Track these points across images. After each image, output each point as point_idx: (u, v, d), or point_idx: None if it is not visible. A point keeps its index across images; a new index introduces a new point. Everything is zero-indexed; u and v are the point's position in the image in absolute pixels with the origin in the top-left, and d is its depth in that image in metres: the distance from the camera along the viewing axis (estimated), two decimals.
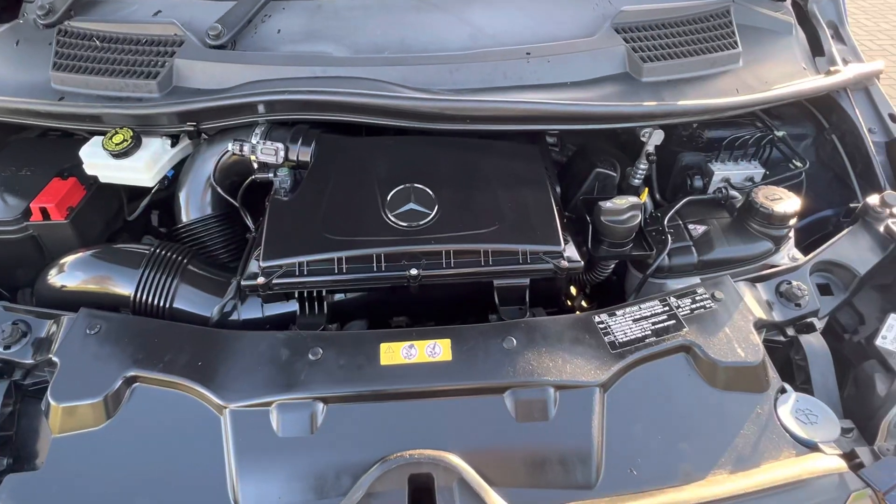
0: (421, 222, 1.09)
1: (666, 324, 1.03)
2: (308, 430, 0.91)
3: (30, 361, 1.04)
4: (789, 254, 1.23)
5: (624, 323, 1.03)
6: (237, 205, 1.23)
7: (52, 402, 0.94)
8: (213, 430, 0.93)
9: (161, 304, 1.10)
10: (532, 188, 1.16)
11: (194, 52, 1.31)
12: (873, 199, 1.21)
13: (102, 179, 1.26)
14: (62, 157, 1.35)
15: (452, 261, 1.06)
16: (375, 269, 1.06)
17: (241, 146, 1.20)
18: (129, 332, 1.02)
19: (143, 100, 1.28)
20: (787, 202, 1.19)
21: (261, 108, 1.23)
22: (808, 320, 1.11)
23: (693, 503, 0.87)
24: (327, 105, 1.20)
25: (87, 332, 1.02)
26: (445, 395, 0.94)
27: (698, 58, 1.37)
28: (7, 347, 1.05)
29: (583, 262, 1.06)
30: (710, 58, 1.38)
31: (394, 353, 0.96)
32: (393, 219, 1.09)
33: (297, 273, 1.05)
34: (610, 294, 1.37)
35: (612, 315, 1.04)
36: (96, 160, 1.24)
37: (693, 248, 1.21)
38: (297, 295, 1.08)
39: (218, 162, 1.26)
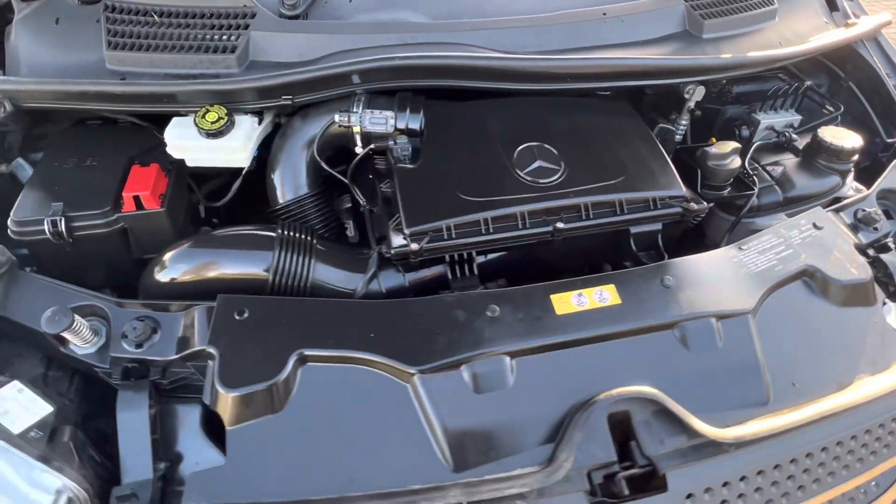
0: (551, 179, 1.11)
1: (785, 253, 1.12)
2: (504, 385, 0.92)
3: (170, 357, 0.96)
4: (852, 186, 1.37)
5: (752, 256, 1.11)
6: (346, 181, 1.18)
7: (224, 392, 0.88)
8: (401, 398, 0.91)
9: (300, 284, 1.05)
10: (640, 139, 1.21)
11: (271, 24, 1.24)
12: None
13: (191, 162, 1.17)
14: (119, 145, 1.24)
15: (591, 212, 1.09)
16: (520, 226, 1.07)
17: (349, 117, 1.15)
18: (282, 314, 0.97)
19: (222, 76, 1.20)
20: (852, 139, 1.32)
21: (355, 79, 1.19)
22: (884, 242, 1.25)
23: (858, 403, 0.96)
24: (429, 70, 1.18)
25: (237, 317, 0.96)
26: (620, 337, 0.97)
27: (746, 14, 1.47)
28: (139, 346, 0.97)
29: (707, 205, 1.13)
30: (755, 14, 1.48)
31: (566, 302, 0.98)
32: (525, 177, 1.10)
33: (445, 237, 1.04)
34: (686, 240, 1.45)
35: (740, 250, 1.12)
36: (186, 141, 1.14)
37: (777, 187, 1.31)
38: (447, 259, 1.07)
39: (318, 137, 1.20)
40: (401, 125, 1.17)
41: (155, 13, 1.23)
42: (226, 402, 0.89)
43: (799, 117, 1.56)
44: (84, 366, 1.00)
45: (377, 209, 1.16)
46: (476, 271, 1.07)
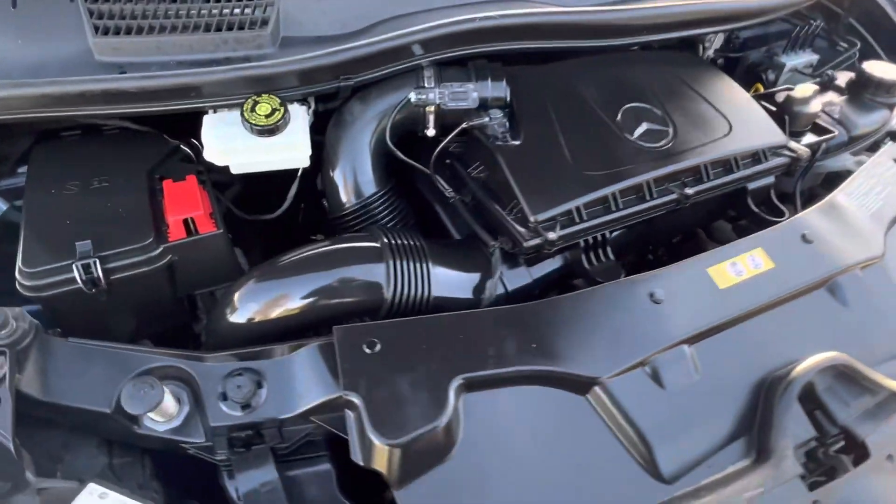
0: (663, 141, 1.00)
1: (886, 190, 1.10)
2: (689, 376, 0.82)
3: (289, 414, 0.76)
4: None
5: (858, 199, 1.08)
6: (429, 172, 1.00)
7: (382, 444, 0.70)
8: (582, 413, 0.79)
9: (422, 297, 0.87)
10: (727, 89, 1.13)
11: None
12: None
13: (238, 168, 0.94)
14: (122, 158, 0.98)
15: (711, 173, 1.00)
16: (648, 197, 0.96)
17: (427, 94, 0.97)
18: (419, 338, 0.80)
19: (254, 58, 0.97)
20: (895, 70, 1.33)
21: (416, 49, 1.01)
22: None
23: None
24: (503, 31, 1.03)
25: (367, 350, 0.78)
26: (784, 302, 0.90)
27: None
28: (246, 406, 0.76)
29: (809, 151, 1.08)
30: None
31: (724, 274, 0.89)
32: (638, 142, 0.99)
33: (576, 220, 0.91)
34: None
35: (845, 196, 1.08)
36: (232, 143, 0.91)
37: (841, 127, 1.29)
38: (582, 244, 0.93)
39: (389, 122, 1.01)
40: (484, 98, 1.01)
41: None
42: (386, 457, 0.71)
43: (816, 56, 1.56)
44: (162, 444, 0.78)
45: (468, 199, 1.00)
46: (611, 254, 0.95)
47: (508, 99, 1.01)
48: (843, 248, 0.97)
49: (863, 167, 1.16)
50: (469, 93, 0.99)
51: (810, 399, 0.85)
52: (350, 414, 0.74)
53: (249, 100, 0.91)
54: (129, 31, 0.94)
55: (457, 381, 0.75)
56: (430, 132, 1.03)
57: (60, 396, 0.74)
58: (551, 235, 0.87)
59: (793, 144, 1.08)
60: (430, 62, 1.02)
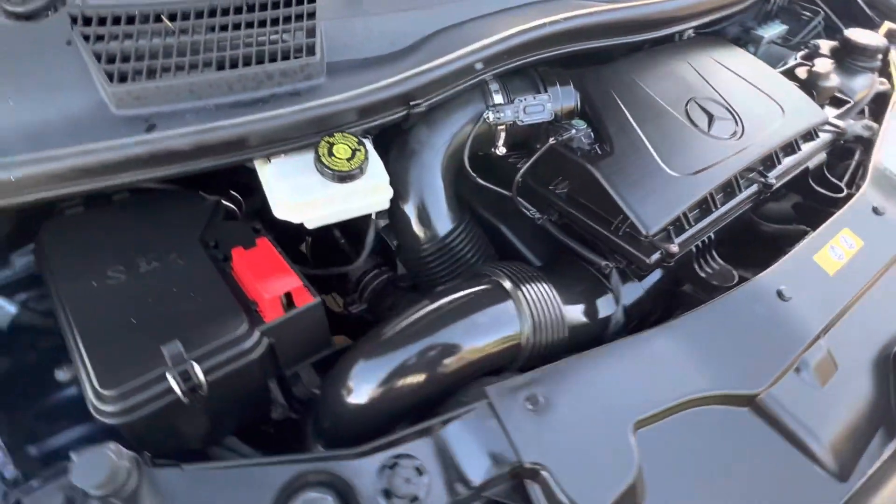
0: (734, 132, 0.99)
1: None
2: (834, 369, 0.82)
3: (465, 496, 0.67)
4: (878, 80, 1.48)
5: None
6: (511, 194, 0.92)
7: None
8: (746, 422, 0.77)
9: (559, 333, 0.80)
10: (762, 71, 1.14)
11: (343, 8, 0.89)
12: None
13: (315, 224, 0.81)
14: (158, 229, 0.82)
15: (781, 157, 1.01)
16: (737, 191, 0.94)
17: (504, 112, 0.89)
18: (577, 383, 0.73)
19: (304, 91, 0.83)
20: (874, 36, 1.42)
21: (479, 66, 0.92)
22: None
23: None
24: (566, 35, 0.96)
25: (530, 407, 0.70)
26: (880, 276, 0.93)
27: None
28: (415, 500, 0.66)
29: (848, 124, 1.12)
30: None
31: (829, 260, 0.90)
32: (714, 136, 0.97)
33: (685, 226, 0.88)
34: None
35: (886, 160, 1.13)
36: (311, 196, 0.77)
37: (845, 94, 1.36)
38: (694, 250, 0.90)
39: (456, 147, 0.91)
40: (556, 108, 0.94)
41: (168, 17, 0.80)
42: None
43: (786, 27, 1.64)
44: None
45: (555, 218, 0.94)
46: (716, 255, 0.93)
47: (577, 105, 0.95)
48: None
49: (884, 128, 1.22)
50: (544, 104, 0.92)
51: None
52: (534, 484, 0.67)
53: (323, 142, 0.78)
54: (151, 74, 0.78)
55: (628, 426, 0.70)
56: (501, 150, 0.95)
57: None
58: (673, 248, 0.83)
59: (833, 119, 1.11)
60: (493, 75, 0.94)
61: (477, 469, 0.68)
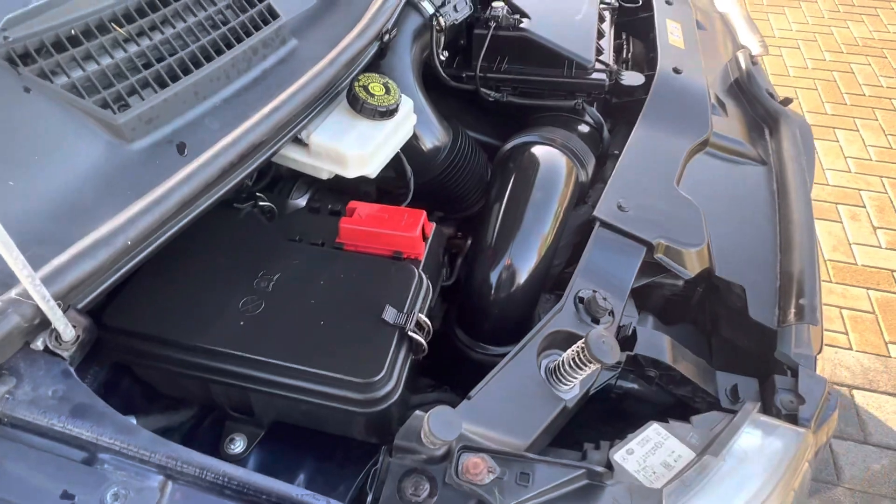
0: None
1: None
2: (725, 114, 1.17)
3: None
4: None
5: None
6: (475, 87, 1.01)
7: None
8: (715, 158, 1.07)
9: (591, 164, 0.97)
10: None
11: None
12: None
13: (377, 170, 0.80)
14: (222, 255, 0.73)
15: None
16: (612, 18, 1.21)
17: (449, 16, 0.97)
18: (639, 181, 0.92)
19: (287, 59, 0.79)
20: None
21: None
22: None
23: None
24: None
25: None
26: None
27: None
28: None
29: None
30: None
31: (676, 42, 1.24)
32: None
33: (601, 50, 1.11)
34: None
35: None
36: (374, 140, 0.76)
37: None
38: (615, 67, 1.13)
39: (420, 62, 0.96)
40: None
41: (112, 25, 0.66)
42: None
43: None
44: None
45: (510, 91, 1.08)
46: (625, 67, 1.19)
47: None
48: None
49: None
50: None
51: None
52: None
53: (357, 87, 0.78)
54: (150, 85, 0.66)
55: (673, 184, 0.94)
56: (445, 54, 1.04)
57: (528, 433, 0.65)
58: (613, 66, 1.06)
59: None
60: None
61: (624, 268, 0.85)
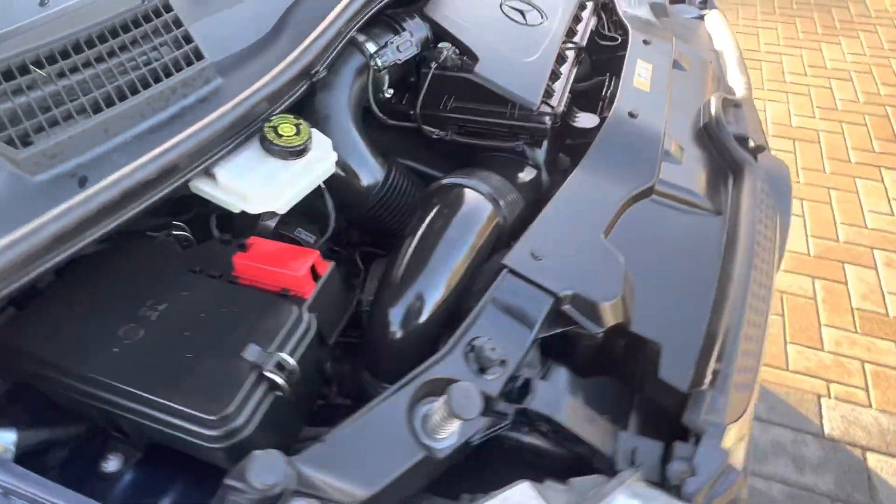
0: (541, 18, 1.24)
1: None
2: (681, 150, 1.14)
3: None
4: None
5: None
6: (418, 124, 1.03)
7: None
8: (656, 205, 1.04)
9: (518, 206, 0.97)
10: None
11: (194, 10, 0.88)
12: None
13: (286, 206, 0.83)
14: (121, 284, 0.78)
15: (574, 27, 1.29)
16: (565, 58, 1.20)
17: (386, 56, 1.00)
18: (552, 230, 0.92)
19: (209, 97, 0.84)
20: None
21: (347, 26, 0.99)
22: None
23: None
24: None
25: (535, 260, 0.86)
26: (672, 83, 1.28)
27: None
28: (503, 363, 0.79)
29: None
30: None
31: (642, 83, 1.21)
32: (532, 24, 1.21)
33: (552, 92, 1.10)
34: None
35: None
36: (278, 181, 0.80)
37: None
38: (564, 110, 1.12)
39: (357, 101, 0.99)
40: (417, 40, 1.08)
41: (31, 66, 0.72)
42: None
43: None
44: None
45: (456, 130, 1.09)
46: (577, 109, 1.18)
47: (431, 35, 1.10)
48: None
49: None
50: (410, 40, 1.05)
51: None
52: (566, 305, 0.84)
53: (266, 128, 0.81)
54: (58, 123, 0.72)
55: (601, 235, 0.92)
56: (389, 93, 1.06)
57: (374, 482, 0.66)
58: (558, 109, 1.05)
59: None
60: (356, 29, 1.03)
61: (527, 319, 0.84)
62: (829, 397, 2.21)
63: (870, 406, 2.18)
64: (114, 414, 0.68)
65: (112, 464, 0.71)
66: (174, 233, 0.85)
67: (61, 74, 0.74)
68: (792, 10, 4.51)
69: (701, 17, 1.68)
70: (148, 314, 0.73)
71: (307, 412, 0.83)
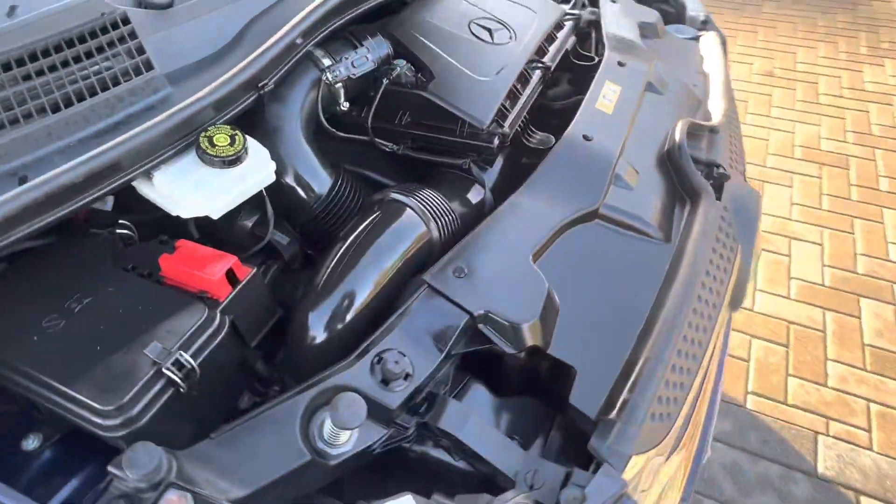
0: (510, 37, 1.25)
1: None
2: (636, 174, 1.13)
3: None
4: None
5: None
6: (370, 137, 1.07)
7: None
8: (599, 230, 1.04)
9: (454, 224, 0.99)
10: None
11: (157, 22, 0.94)
12: None
13: (220, 213, 0.88)
14: (58, 280, 0.83)
15: (547, 47, 1.30)
16: (529, 78, 1.21)
17: (338, 71, 1.03)
18: (482, 248, 0.93)
19: (157, 105, 0.89)
20: None
21: (298, 41, 1.04)
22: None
23: None
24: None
25: (459, 276, 0.88)
26: (639, 108, 1.27)
27: None
28: (408, 377, 0.81)
29: None
30: None
31: (605, 105, 1.21)
32: (498, 42, 1.22)
33: (506, 112, 1.12)
34: None
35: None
36: (210, 188, 0.85)
37: None
38: (519, 129, 1.13)
39: (309, 113, 1.03)
40: (375, 57, 1.11)
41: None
42: None
43: None
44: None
45: (409, 144, 1.12)
46: (534, 129, 1.18)
47: (392, 51, 1.13)
48: None
49: (602, 10, 1.59)
50: (366, 56, 1.08)
51: None
52: (484, 325, 0.86)
53: (202, 138, 0.86)
54: (4, 126, 0.78)
55: (531, 258, 0.93)
56: (345, 106, 1.10)
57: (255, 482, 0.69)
58: (506, 130, 1.06)
59: (569, 10, 1.44)
60: (314, 44, 1.07)
61: (441, 336, 0.86)
62: (828, 435, 2.12)
63: (871, 448, 2.08)
64: (30, 398, 0.73)
65: (31, 442, 0.77)
66: (118, 231, 0.90)
67: (14, 81, 0.81)
68: (836, 28, 4.34)
69: (696, 38, 1.65)
70: (73, 307, 0.78)
71: (227, 407, 0.87)
